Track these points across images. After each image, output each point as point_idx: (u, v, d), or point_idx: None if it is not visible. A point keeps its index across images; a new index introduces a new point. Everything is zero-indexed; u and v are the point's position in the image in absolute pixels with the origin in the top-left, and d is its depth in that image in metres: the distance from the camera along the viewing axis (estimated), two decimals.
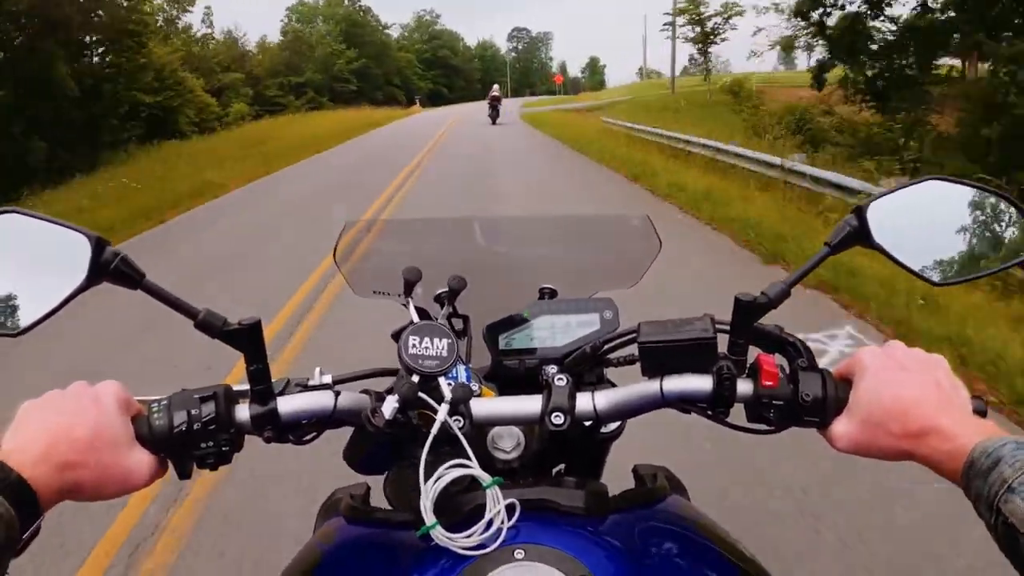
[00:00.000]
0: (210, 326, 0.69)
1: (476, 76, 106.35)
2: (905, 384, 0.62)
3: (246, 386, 0.72)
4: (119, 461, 0.63)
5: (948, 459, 0.56)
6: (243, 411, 0.71)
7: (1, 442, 0.60)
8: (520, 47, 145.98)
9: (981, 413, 0.63)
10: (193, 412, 0.67)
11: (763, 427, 0.72)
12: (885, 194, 0.75)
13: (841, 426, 0.66)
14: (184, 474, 0.70)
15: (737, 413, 0.73)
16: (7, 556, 0.52)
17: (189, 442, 0.67)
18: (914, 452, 0.60)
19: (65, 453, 0.59)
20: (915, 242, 0.75)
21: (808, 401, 0.67)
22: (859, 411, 0.64)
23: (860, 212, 0.72)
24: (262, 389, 0.72)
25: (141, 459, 0.65)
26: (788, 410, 0.68)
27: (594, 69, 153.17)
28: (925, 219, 0.76)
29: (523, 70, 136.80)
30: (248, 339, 0.70)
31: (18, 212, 0.68)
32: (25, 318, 0.67)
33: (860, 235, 0.72)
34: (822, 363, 0.69)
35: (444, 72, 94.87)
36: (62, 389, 0.66)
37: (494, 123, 28.13)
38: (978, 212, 0.77)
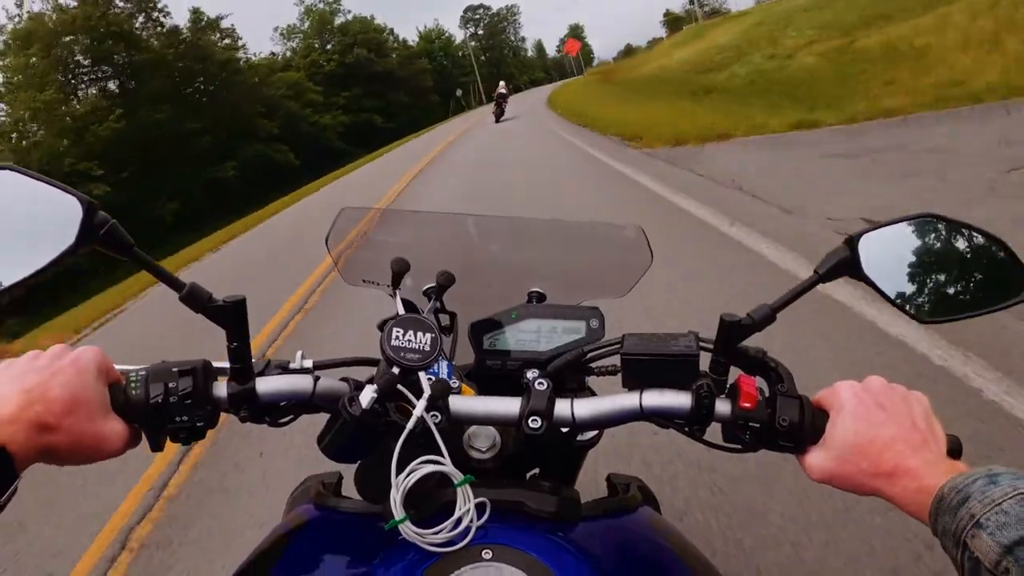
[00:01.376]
0: (194, 300, 0.69)
1: (428, 83, 68.30)
2: (882, 423, 0.62)
3: (226, 363, 0.72)
4: (93, 428, 0.63)
5: (915, 498, 0.57)
6: (221, 388, 0.71)
7: None
8: (481, 32, 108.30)
9: (956, 452, 0.64)
10: (170, 385, 0.67)
11: (737, 447, 0.72)
12: (878, 226, 0.75)
13: (815, 457, 0.66)
14: (156, 446, 0.69)
15: (713, 431, 0.73)
16: None
17: (164, 415, 0.67)
18: (883, 491, 0.60)
19: (41, 414, 0.59)
20: (904, 277, 0.75)
21: (785, 426, 0.67)
22: (834, 445, 0.65)
23: (852, 243, 0.72)
24: (241, 368, 0.71)
25: (115, 427, 0.65)
26: (764, 433, 0.68)
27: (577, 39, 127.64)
28: (916, 255, 0.76)
29: (492, 60, 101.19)
30: (232, 316, 0.70)
31: (14, 169, 0.68)
32: (10, 275, 0.66)
33: (849, 265, 0.72)
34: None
35: (369, 88, 55.89)
36: (42, 351, 0.65)
37: (497, 121, 25.74)
38: (970, 253, 0.77)
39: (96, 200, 0.66)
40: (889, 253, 0.74)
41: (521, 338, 0.85)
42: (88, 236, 0.65)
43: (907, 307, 0.74)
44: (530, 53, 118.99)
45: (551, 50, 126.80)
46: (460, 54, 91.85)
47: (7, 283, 0.66)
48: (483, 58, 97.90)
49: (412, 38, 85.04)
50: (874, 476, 0.61)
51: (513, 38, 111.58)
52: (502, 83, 29.97)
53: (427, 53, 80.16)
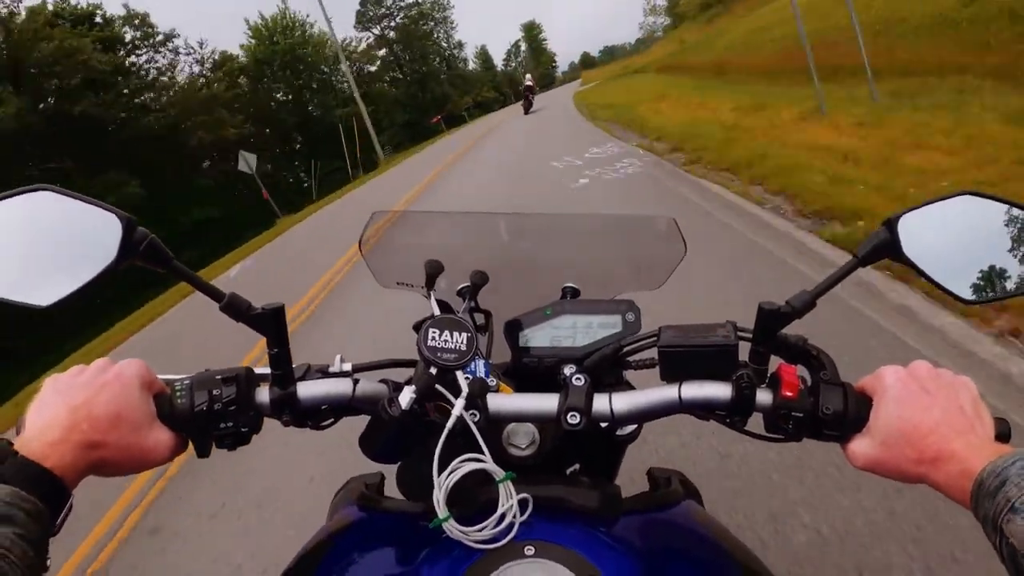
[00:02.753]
0: (235, 309, 0.70)
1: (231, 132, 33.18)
2: (927, 408, 0.61)
3: (268, 369, 0.73)
4: (139, 439, 0.64)
5: (959, 483, 0.56)
6: (263, 394, 0.72)
7: (25, 420, 0.62)
8: (392, 35, 64.03)
9: (1004, 437, 0.62)
10: (214, 393, 0.69)
11: (779, 437, 0.71)
12: (917, 207, 0.74)
13: (859, 445, 0.65)
14: (203, 453, 0.71)
15: (755, 421, 0.73)
16: (46, 543, 0.54)
17: (209, 422, 0.69)
18: (928, 477, 0.59)
19: (87, 432, 0.60)
20: (946, 257, 0.73)
21: (828, 415, 0.66)
22: (878, 431, 0.63)
23: (891, 224, 0.71)
24: (283, 373, 0.73)
25: (161, 437, 0.66)
26: (807, 422, 0.68)
27: (534, 43, 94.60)
28: (957, 234, 0.74)
29: (415, 77, 61.19)
30: (271, 323, 0.71)
31: (51, 189, 0.69)
32: (53, 294, 0.68)
33: (890, 248, 0.71)
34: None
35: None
36: (86, 365, 0.67)
37: (526, 113, 27.14)
38: (1013, 229, 0.75)
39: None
40: (929, 233, 0.72)
41: (557, 334, 0.84)
42: (129, 251, 0.66)
43: (950, 288, 0.72)
44: (472, 65, 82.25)
45: (500, 59, 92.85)
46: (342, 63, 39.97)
47: (51, 301, 0.68)
48: (400, 74, 61.42)
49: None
50: (918, 462, 0.59)
51: (446, 44, 70.43)
52: (528, 76, 30.76)
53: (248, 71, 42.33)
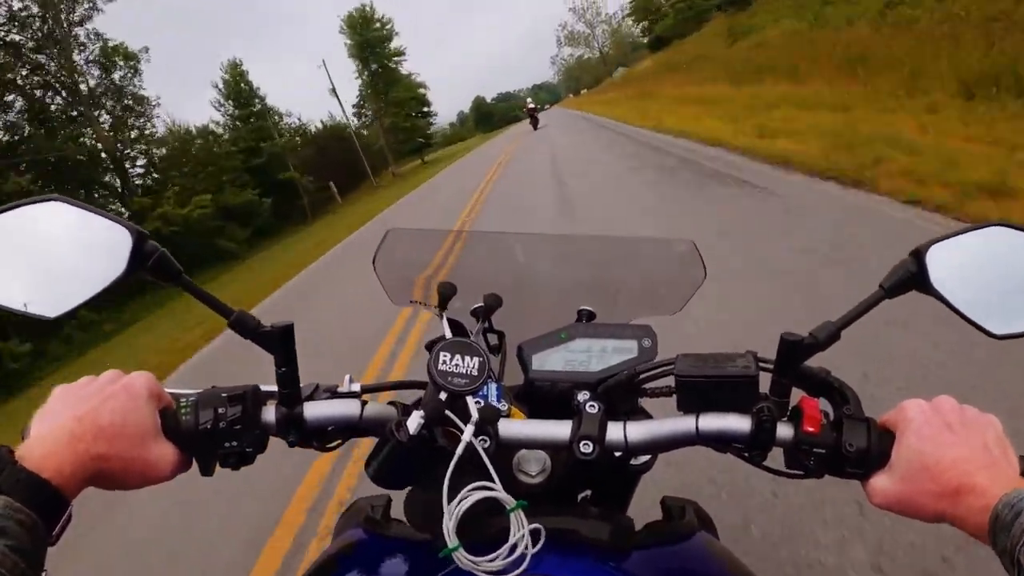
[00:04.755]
0: (243, 326, 0.69)
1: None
2: (951, 444, 0.59)
3: (275, 388, 0.72)
4: (143, 453, 0.63)
5: (979, 517, 0.54)
6: (269, 413, 0.71)
7: (30, 428, 0.61)
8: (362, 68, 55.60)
9: None
10: (220, 411, 0.67)
11: (799, 472, 0.69)
12: (945, 237, 0.72)
13: (880, 481, 0.63)
14: (207, 471, 0.70)
15: (775, 455, 0.70)
16: (41, 554, 0.53)
17: (214, 440, 0.67)
18: (948, 512, 0.57)
19: (91, 442, 0.59)
20: (976, 290, 0.70)
21: (852, 452, 0.64)
22: (899, 468, 0.61)
23: (919, 255, 0.69)
24: (290, 393, 0.71)
25: (165, 452, 0.65)
26: (829, 459, 0.65)
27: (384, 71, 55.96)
28: (988, 266, 0.72)
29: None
30: (279, 342, 0.70)
31: (61, 200, 0.69)
32: (62, 304, 0.67)
33: (917, 280, 0.69)
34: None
35: None
36: (95, 376, 0.66)
37: (535, 129, 32.24)
38: None
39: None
40: (957, 265, 0.70)
41: (571, 358, 0.82)
42: (138, 264, 0.66)
43: (979, 322, 0.70)
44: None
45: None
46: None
47: (60, 311, 0.67)
48: (368, 120, 54.93)
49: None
50: (939, 497, 0.57)
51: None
52: (529, 99, 39.14)
53: None
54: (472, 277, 0.89)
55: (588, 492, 0.85)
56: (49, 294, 0.68)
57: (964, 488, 0.56)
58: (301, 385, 0.73)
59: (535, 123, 34.06)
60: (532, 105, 37.01)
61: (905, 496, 0.60)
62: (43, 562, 0.53)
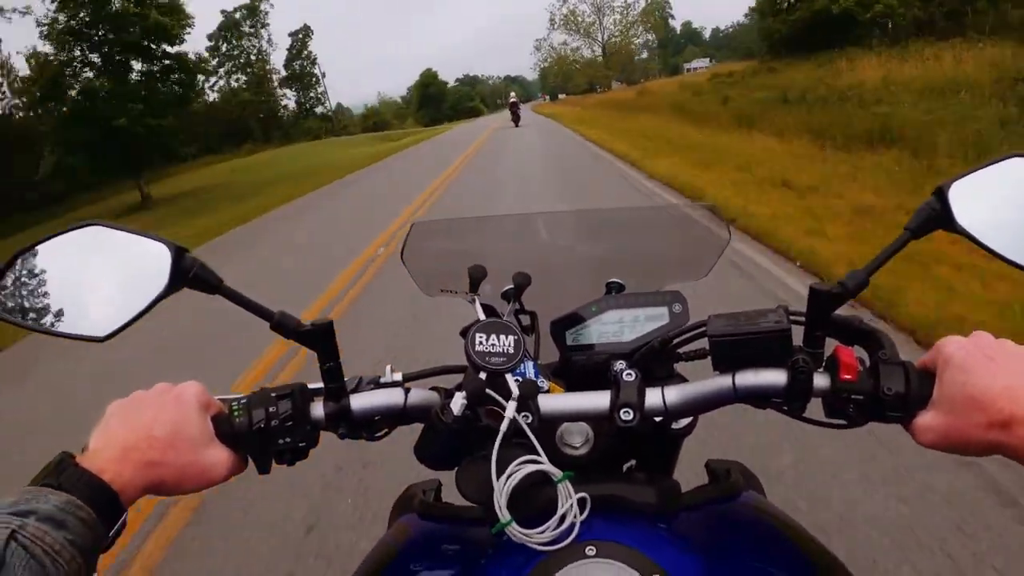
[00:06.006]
0: (285, 327, 0.72)
1: None
2: (994, 374, 0.59)
3: (320, 384, 0.74)
4: (197, 459, 0.66)
5: None
6: (318, 408, 0.73)
7: (89, 443, 0.64)
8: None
9: None
10: (271, 410, 0.70)
11: (841, 422, 0.69)
12: (966, 173, 0.71)
13: (926, 420, 0.63)
14: (264, 469, 0.72)
15: (814, 407, 0.71)
16: (96, 556, 0.55)
17: (268, 438, 0.70)
18: (1002, 443, 0.57)
19: (145, 452, 0.62)
20: (1003, 225, 0.70)
21: (890, 395, 0.64)
22: (944, 404, 0.61)
23: (941, 193, 0.69)
24: (336, 387, 0.74)
25: (220, 456, 0.68)
26: (869, 404, 0.66)
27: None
28: (1012, 199, 0.72)
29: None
30: (321, 339, 0.72)
31: (101, 224, 0.72)
32: (110, 324, 0.70)
33: (942, 218, 0.68)
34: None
35: None
36: (146, 390, 0.69)
37: (516, 125, 33.75)
38: None
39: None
40: (982, 200, 0.70)
41: (604, 331, 0.83)
42: (179, 278, 0.68)
43: (1010, 257, 0.69)
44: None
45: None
46: None
47: (109, 331, 0.70)
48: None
49: None
50: (988, 427, 0.57)
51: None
52: (512, 93, 41.82)
53: None
54: (498, 260, 0.90)
55: (633, 462, 0.86)
56: (97, 316, 0.70)
57: (1016, 418, 0.55)
58: (345, 378, 0.75)
59: (516, 119, 35.55)
60: (514, 99, 39.20)
61: (954, 431, 0.60)
62: (96, 564, 0.55)
